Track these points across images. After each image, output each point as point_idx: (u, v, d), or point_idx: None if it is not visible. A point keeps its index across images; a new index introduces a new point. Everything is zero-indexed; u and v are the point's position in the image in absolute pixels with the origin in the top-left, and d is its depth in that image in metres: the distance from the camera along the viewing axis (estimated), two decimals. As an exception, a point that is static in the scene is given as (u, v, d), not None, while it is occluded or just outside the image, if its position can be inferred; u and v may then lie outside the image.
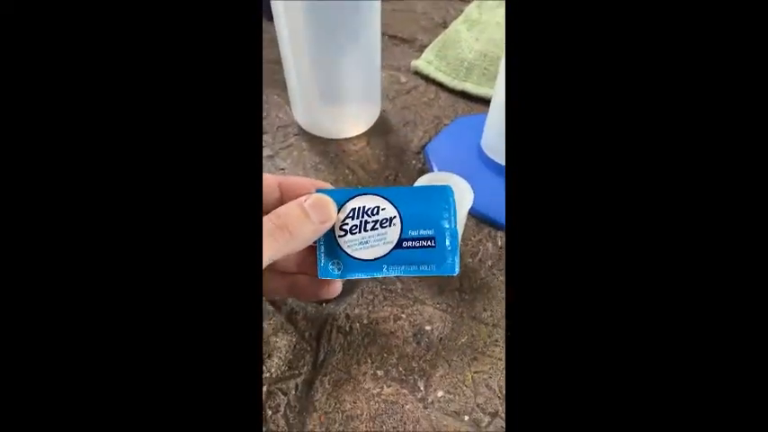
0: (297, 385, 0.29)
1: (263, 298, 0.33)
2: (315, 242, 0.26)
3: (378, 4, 0.37)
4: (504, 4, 0.57)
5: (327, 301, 0.33)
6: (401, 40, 0.56)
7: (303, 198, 0.25)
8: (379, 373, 0.30)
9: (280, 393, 0.29)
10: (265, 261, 0.21)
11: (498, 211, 0.37)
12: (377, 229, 0.26)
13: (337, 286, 0.29)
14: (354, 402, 0.29)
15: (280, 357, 0.31)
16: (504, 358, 0.30)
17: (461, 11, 0.58)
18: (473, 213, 0.38)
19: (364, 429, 0.28)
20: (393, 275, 0.26)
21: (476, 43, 0.52)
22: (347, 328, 0.32)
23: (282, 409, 0.28)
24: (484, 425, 0.28)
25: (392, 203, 0.26)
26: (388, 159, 0.43)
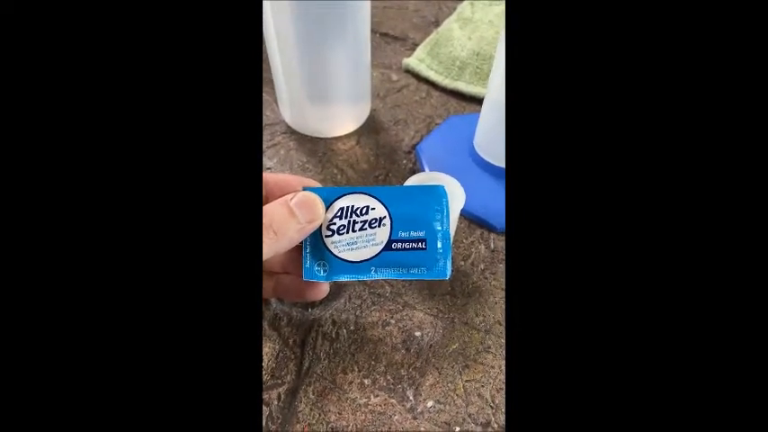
0: (280, 395, 0.28)
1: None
2: (301, 242, 0.25)
3: (367, 3, 0.36)
4: (496, 3, 0.56)
5: (313, 305, 0.32)
6: (392, 37, 0.55)
7: (289, 196, 0.24)
8: (367, 381, 0.28)
9: (262, 404, 0.27)
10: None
11: (491, 212, 0.36)
12: (365, 229, 0.25)
13: (324, 287, 0.28)
14: (340, 413, 0.27)
15: (262, 366, 0.29)
16: (496, 366, 0.29)
17: (454, 9, 0.57)
18: (465, 215, 0.37)
19: (350, 442, 0.26)
20: (382, 278, 0.25)
21: (468, 42, 0.51)
22: (333, 335, 0.31)
23: (264, 420, 0.27)
24: (476, 436, 0.27)
25: (382, 203, 0.25)
26: (378, 159, 0.42)
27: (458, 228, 0.36)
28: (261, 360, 0.29)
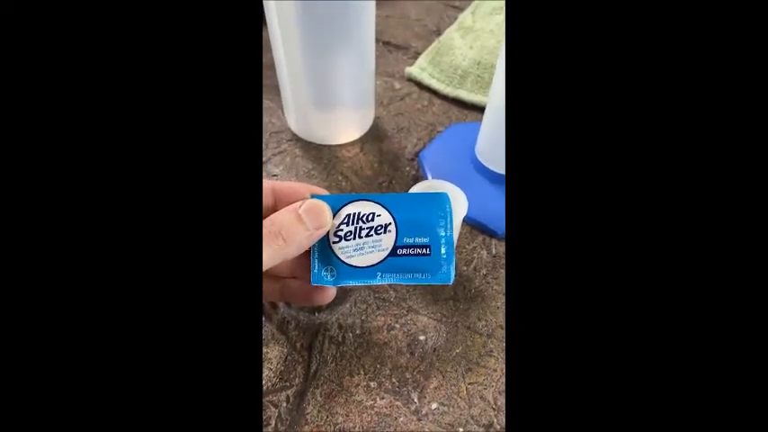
0: (288, 397, 0.29)
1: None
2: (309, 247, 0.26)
3: (371, 10, 0.37)
4: (497, 12, 0.57)
5: (320, 310, 0.32)
6: (395, 46, 0.56)
7: (298, 204, 0.25)
8: (372, 384, 0.29)
9: (270, 406, 0.28)
10: (257, 269, 0.20)
11: (492, 218, 0.37)
12: (372, 235, 0.26)
13: (331, 292, 0.29)
14: (347, 415, 0.28)
15: (270, 369, 0.30)
16: (498, 369, 0.30)
17: (455, 18, 0.58)
18: (467, 221, 0.38)
19: (357, 443, 0.27)
20: (387, 283, 0.25)
21: (469, 51, 0.52)
22: (340, 338, 0.31)
23: (273, 422, 0.28)
24: (479, 437, 0.27)
25: (388, 210, 0.26)
26: (381, 166, 0.43)
27: (460, 233, 0.37)
28: (261, 361, 0.30)
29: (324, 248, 0.26)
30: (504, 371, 0.30)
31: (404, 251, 0.25)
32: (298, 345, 0.31)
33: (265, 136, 0.45)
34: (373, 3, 0.36)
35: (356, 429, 0.27)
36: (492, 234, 0.37)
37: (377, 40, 0.56)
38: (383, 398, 0.29)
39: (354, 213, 0.26)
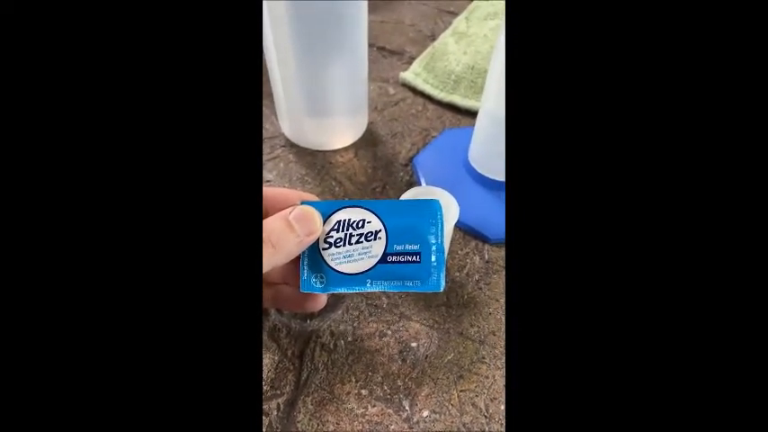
0: (279, 406, 0.28)
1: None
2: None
3: (364, 16, 0.37)
4: (491, 17, 0.58)
5: (311, 316, 0.32)
6: (389, 51, 0.56)
7: (288, 210, 0.25)
8: (364, 392, 0.29)
9: (262, 415, 0.28)
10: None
11: (485, 224, 0.37)
12: (362, 242, 0.25)
13: (323, 298, 0.28)
14: (338, 423, 0.28)
15: (262, 376, 0.29)
16: (490, 376, 0.30)
17: (450, 23, 0.58)
18: (460, 226, 0.38)
19: (348, 451, 0.27)
20: (377, 290, 0.25)
21: (463, 56, 0.52)
22: (331, 346, 0.31)
23: (264, 430, 0.27)
24: (471, 445, 0.27)
25: (378, 217, 0.26)
26: (375, 171, 0.43)
27: (453, 239, 0.37)
28: (261, 371, 0.30)
29: (313, 255, 0.26)
30: (497, 377, 0.30)
31: (394, 258, 0.25)
32: (289, 352, 0.31)
33: (259, 141, 0.45)
34: (366, 8, 0.36)
35: (347, 438, 0.27)
36: (485, 239, 0.37)
37: (371, 46, 0.56)
38: (374, 406, 0.28)
39: (345, 220, 0.26)
